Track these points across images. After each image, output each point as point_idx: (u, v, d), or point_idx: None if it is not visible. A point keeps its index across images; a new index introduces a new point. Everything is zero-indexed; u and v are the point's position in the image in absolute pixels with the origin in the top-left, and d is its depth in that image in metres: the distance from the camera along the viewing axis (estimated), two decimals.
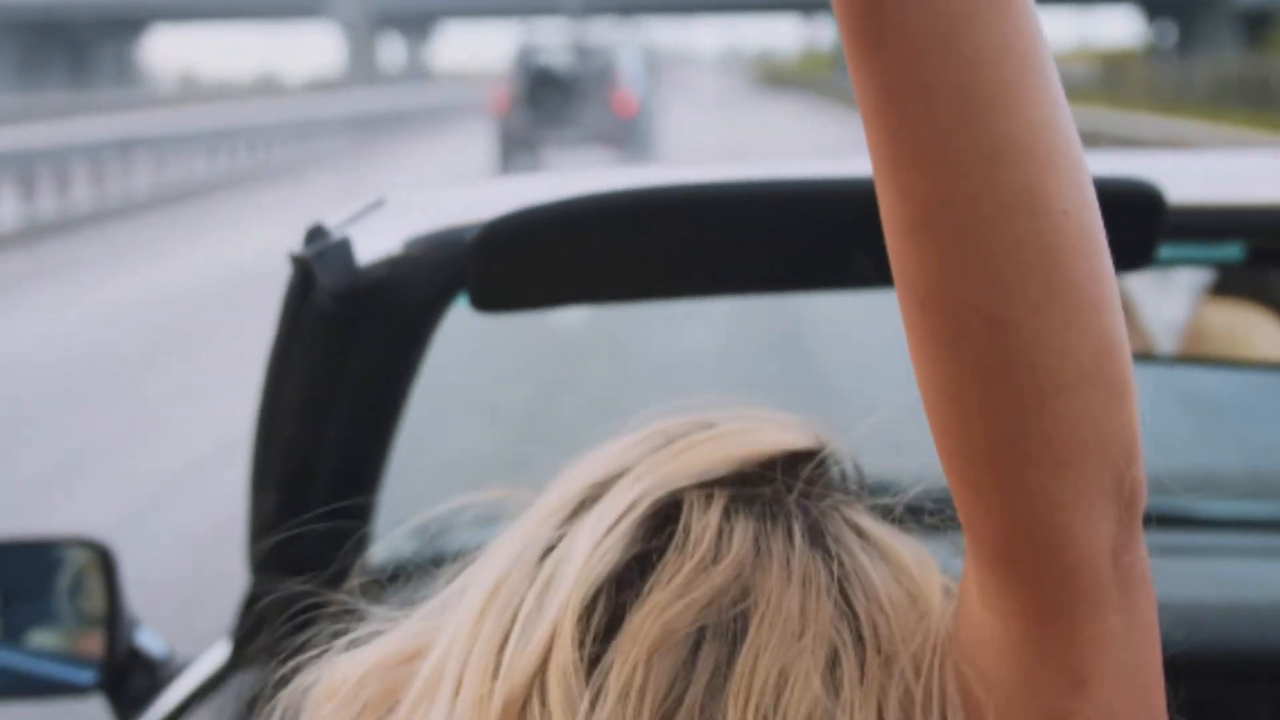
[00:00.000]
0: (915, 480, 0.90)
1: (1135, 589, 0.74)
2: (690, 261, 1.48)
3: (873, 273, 1.53)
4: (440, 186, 1.58)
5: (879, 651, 0.82)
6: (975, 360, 0.69)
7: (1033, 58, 0.68)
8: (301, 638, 1.06)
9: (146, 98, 48.47)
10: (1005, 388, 0.69)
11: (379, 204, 1.52)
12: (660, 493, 0.86)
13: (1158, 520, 1.43)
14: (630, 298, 1.62)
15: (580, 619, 0.83)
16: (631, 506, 0.86)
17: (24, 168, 18.12)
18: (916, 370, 0.73)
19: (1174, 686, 0.82)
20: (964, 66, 0.67)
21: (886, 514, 0.90)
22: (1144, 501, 0.74)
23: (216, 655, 1.65)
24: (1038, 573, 0.73)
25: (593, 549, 0.85)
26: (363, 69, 63.59)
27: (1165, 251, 1.48)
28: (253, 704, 1.50)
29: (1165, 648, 0.80)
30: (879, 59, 0.68)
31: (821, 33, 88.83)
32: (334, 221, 1.48)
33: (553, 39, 24.42)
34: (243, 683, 1.57)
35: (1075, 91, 41.41)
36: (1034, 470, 0.70)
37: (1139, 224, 1.38)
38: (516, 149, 21.87)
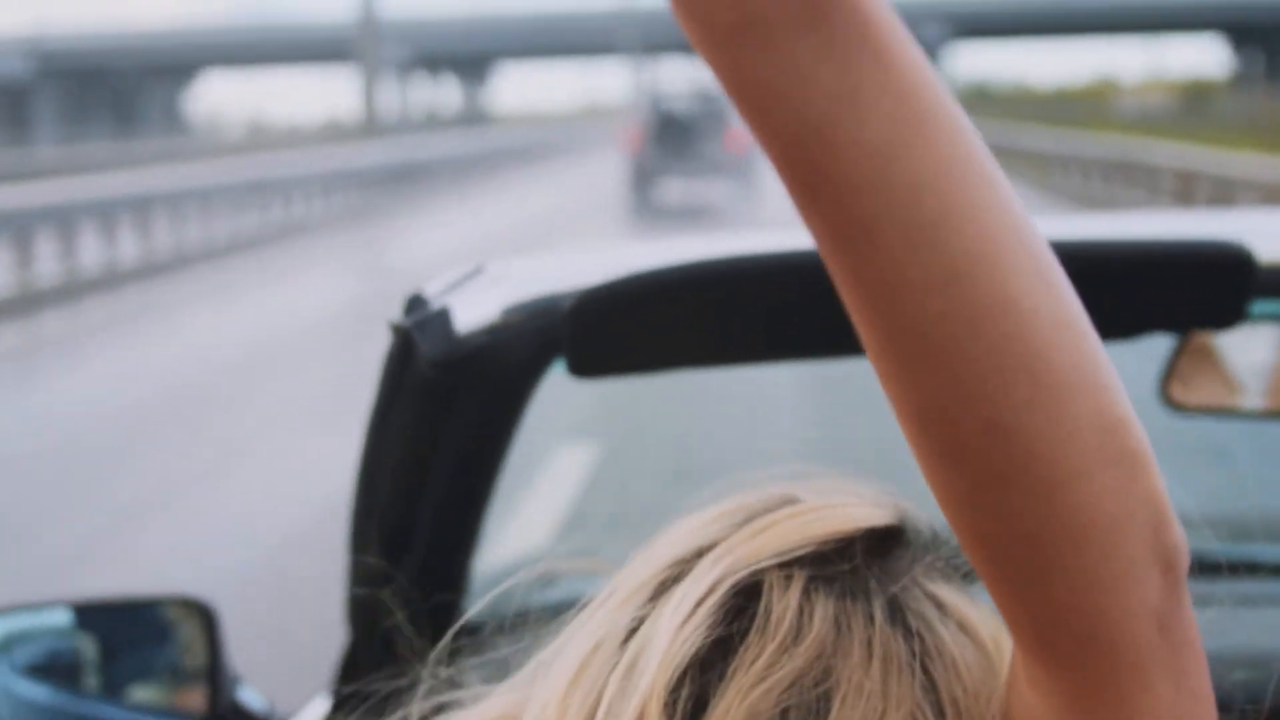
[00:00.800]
0: None
1: (1181, 653, 0.75)
2: (784, 326, 1.54)
3: None
4: (536, 254, 1.68)
5: (958, 717, 0.85)
6: (981, 467, 0.72)
7: (973, 171, 0.70)
8: (397, 692, 1.14)
9: (198, 147, 48.71)
10: (1016, 488, 0.72)
11: (477, 271, 1.60)
12: (741, 574, 0.88)
13: (1251, 569, 1.49)
14: (725, 363, 1.69)
15: (666, 705, 0.85)
16: (712, 588, 0.88)
17: (64, 222, 18.03)
18: (927, 481, 0.76)
19: None
20: (905, 197, 0.69)
21: (966, 572, 0.92)
22: (1185, 564, 0.75)
23: (316, 710, 1.71)
24: (1078, 654, 0.75)
25: (676, 632, 0.86)
26: (411, 112, 64.24)
27: (1256, 308, 1.54)
28: None
29: (1250, 698, 0.86)
30: (821, 204, 0.70)
31: None
32: (433, 290, 1.56)
33: (675, 85, 30.18)
34: None
35: (1152, 125, 40.88)
36: (1059, 557, 0.73)
37: (1229, 285, 1.45)
38: (646, 180, 26.27)
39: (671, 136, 26.73)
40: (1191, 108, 47.03)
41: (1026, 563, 0.74)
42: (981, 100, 65.63)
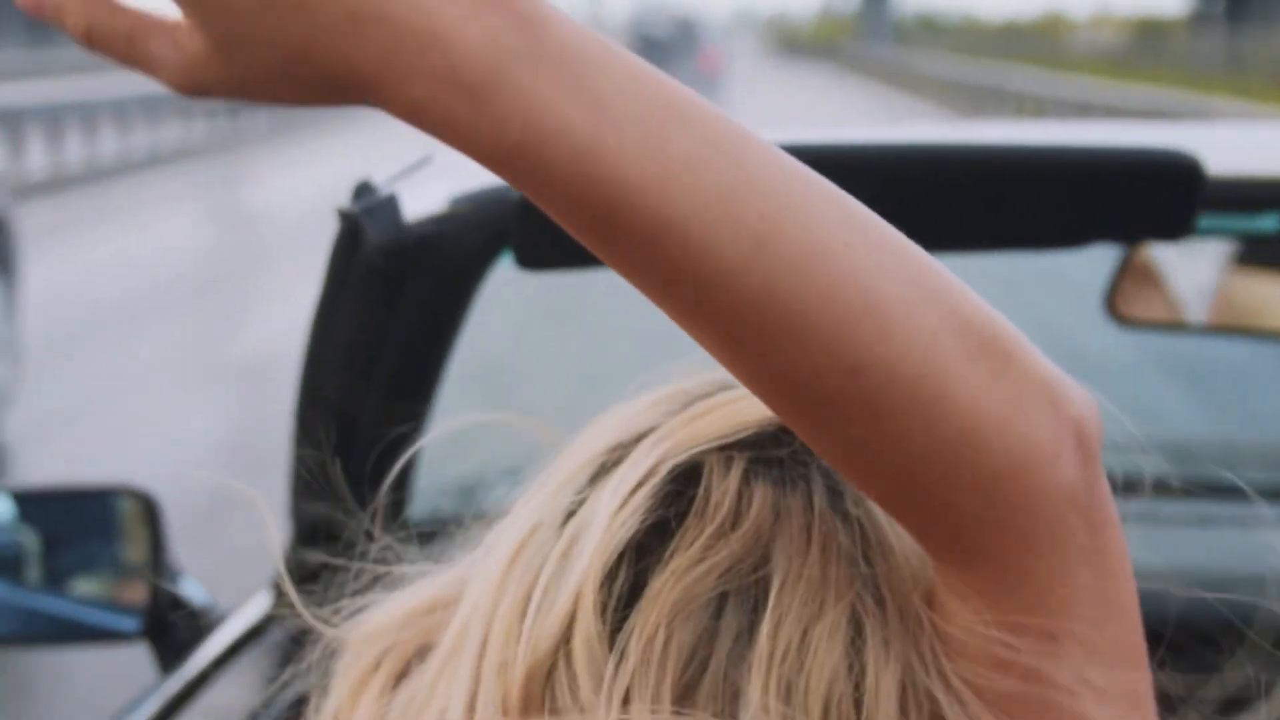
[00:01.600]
0: None
1: (1101, 533, 0.77)
2: None
3: (929, 239, 1.69)
4: None
5: (899, 609, 0.86)
6: (859, 412, 0.73)
7: (747, 139, 0.72)
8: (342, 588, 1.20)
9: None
10: (897, 417, 0.73)
11: (426, 161, 1.63)
12: (680, 457, 0.90)
13: (1186, 489, 1.57)
14: None
15: (602, 586, 0.87)
16: (651, 471, 0.89)
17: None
18: (810, 443, 0.78)
19: (1208, 652, 0.94)
20: (680, 177, 0.70)
21: None
22: (1096, 436, 0.76)
23: (258, 605, 1.76)
24: (995, 553, 0.77)
25: (613, 515, 0.88)
26: None
27: (1203, 222, 1.57)
28: (293, 652, 1.64)
29: (1196, 615, 0.91)
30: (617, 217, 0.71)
31: None
32: (381, 178, 1.58)
33: (654, 13, 38.09)
34: (284, 631, 1.68)
35: (1108, 65, 40.55)
36: (960, 465, 0.74)
37: (1177, 195, 1.48)
38: None
39: (652, 57, 29.45)
40: (1147, 46, 46.87)
41: (928, 481, 0.75)
42: (929, 32, 65.65)
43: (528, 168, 0.70)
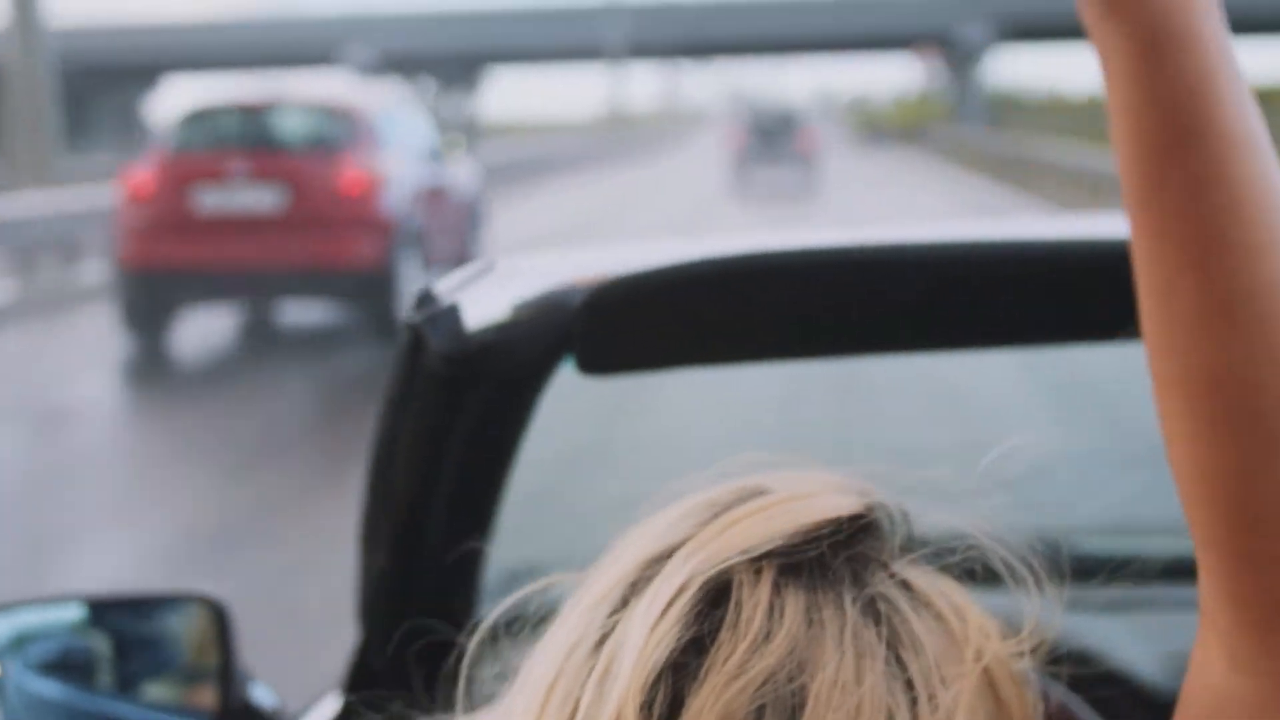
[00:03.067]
0: (960, 535, 1.02)
1: None
2: (795, 324, 1.68)
3: (975, 334, 1.79)
4: (547, 250, 1.85)
5: (933, 703, 0.93)
6: (1267, 436, 0.85)
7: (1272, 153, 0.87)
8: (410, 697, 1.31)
9: None
10: None
11: (488, 267, 1.73)
12: (710, 572, 0.94)
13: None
14: (735, 360, 1.83)
15: (642, 708, 0.91)
16: (683, 588, 0.94)
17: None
18: (1186, 452, 0.88)
19: None
20: (1233, 201, 0.85)
21: (935, 563, 1.01)
22: None
23: (327, 709, 1.86)
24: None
25: (648, 635, 0.93)
26: None
27: None
28: None
29: None
30: (1163, 195, 0.86)
31: (917, 73, 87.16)
32: (443, 286, 1.69)
33: (760, 100, 51.03)
34: None
35: None
36: None
37: None
38: (744, 166, 41.88)
39: (762, 137, 42.33)
40: (1266, 118, 46.46)
41: (1258, 528, 0.86)
42: (1017, 112, 64.40)
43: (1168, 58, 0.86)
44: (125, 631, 1.90)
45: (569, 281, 1.66)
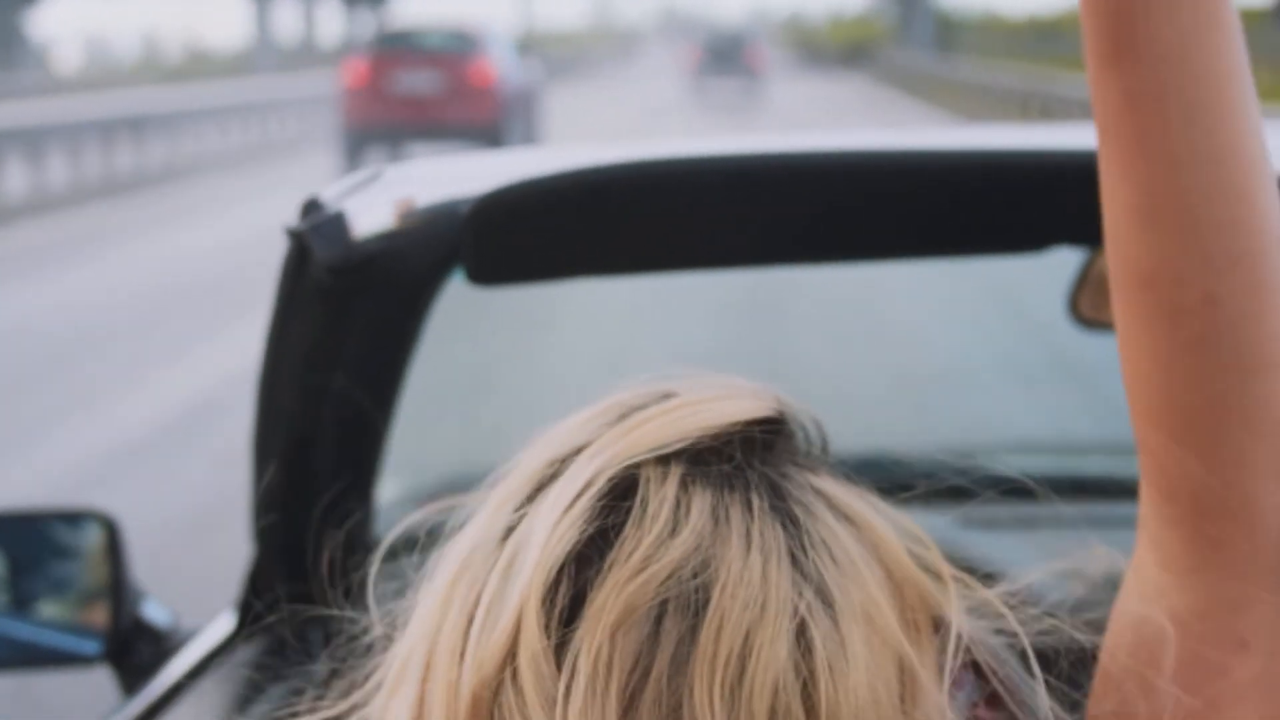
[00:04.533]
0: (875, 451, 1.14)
1: None
2: (683, 235, 1.70)
3: (873, 246, 1.84)
4: (435, 158, 1.88)
5: (854, 613, 0.94)
6: (1190, 332, 0.94)
7: (1244, 75, 0.96)
8: (304, 611, 1.35)
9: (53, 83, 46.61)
10: (1215, 359, 0.94)
11: (375, 176, 1.75)
12: (616, 468, 0.96)
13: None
14: (624, 271, 1.85)
15: (544, 601, 0.93)
16: (588, 484, 0.96)
17: None
18: (1127, 345, 0.98)
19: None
20: (1194, 79, 0.94)
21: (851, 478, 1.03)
22: None
23: (221, 626, 1.89)
24: (1226, 533, 0.95)
25: (552, 529, 0.94)
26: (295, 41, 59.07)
27: None
28: (255, 674, 1.80)
29: None
30: (1125, 68, 0.94)
31: None
32: (329, 195, 1.69)
33: (695, 15, 69.60)
34: (247, 653, 1.81)
35: None
36: (1233, 438, 0.94)
37: None
38: (702, 79, 47.67)
39: (715, 54, 48.56)
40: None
41: (1202, 435, 0.95)
42: (957, 31, 63.38)
43: None
44: (20, 548, 1.94)
45: (457, 189, 1.68)
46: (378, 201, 1.70)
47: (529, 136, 25.10)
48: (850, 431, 1.08)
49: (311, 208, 1.68)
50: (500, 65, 24.53)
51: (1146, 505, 1.00)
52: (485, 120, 23.69)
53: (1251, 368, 0.95)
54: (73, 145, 22.11)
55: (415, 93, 23.66)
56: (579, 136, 27.62)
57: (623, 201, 1.67)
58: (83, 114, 23.60)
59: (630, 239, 1.72)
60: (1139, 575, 1.01)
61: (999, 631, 1.04)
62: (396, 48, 24.57)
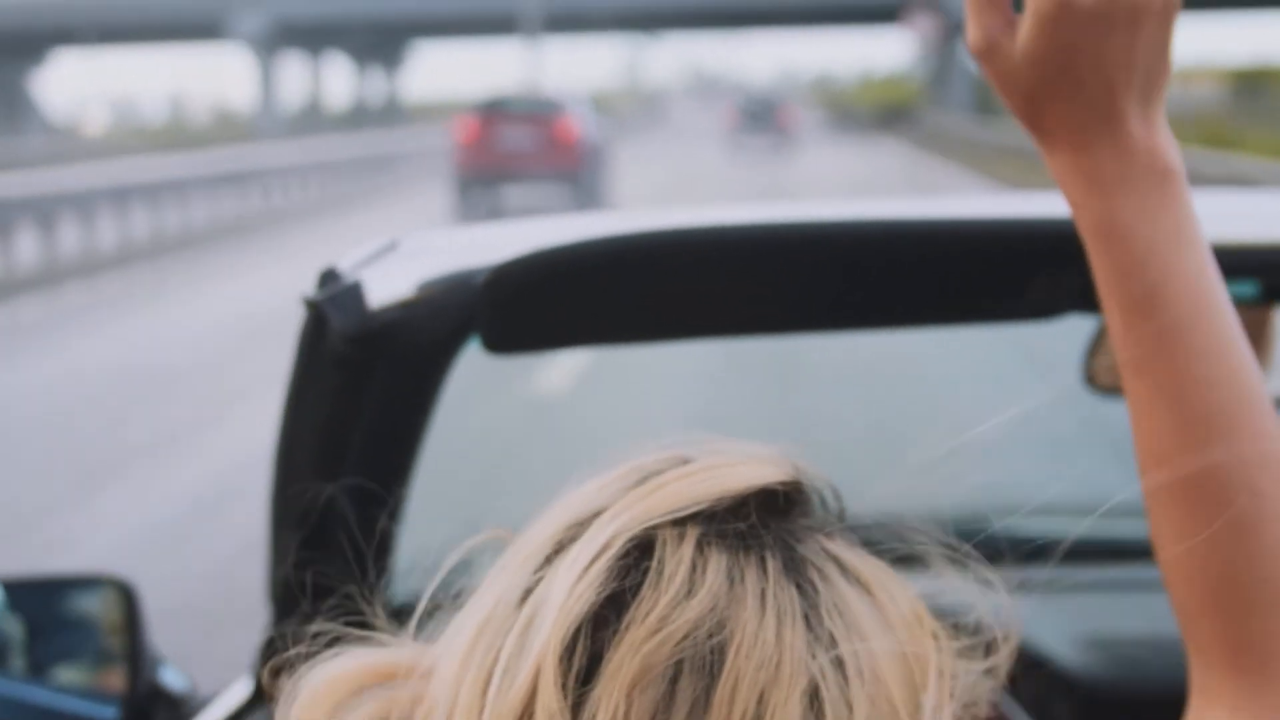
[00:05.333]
0: (889, 515, 1.08)
1: None
2: (702, 303, 1.74)
3: (885, 314, 1.81)
4: (452, 228, 1.91)
5: (862, 677, 0.97)
6: (1217, 511, 1.07)
7: (1228, 305, 1.12)
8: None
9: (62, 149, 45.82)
10: (1249, 534, 1.07)
11: (391, 246, 1.78)
12: (634, 531, 0.99)
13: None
14: (641, 339, 1.87)
15: (561, 660, 0.95)
16: (606, 546, 0.98)
17: None
18: (1164, 529, 1.10)
19: None
20: (1205, 314, 1.10)
21: (867, 544, 1.06)
22: None
23: (238, 692, 1.92)
24: (1267, 677, 1.07)
25: (570, 590, 0.97)
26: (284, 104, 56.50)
27: None
28: None
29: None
30: (1144, 315, 1.09)
31: (887, 49, 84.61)
32: (346, 264, 1.73)
33: (723, 76, 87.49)
34: (264, 718, 1.85)
35: (1198, 125, 37.95)
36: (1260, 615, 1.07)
37: None
38: (738, 136, 55.40)
39: (750, 115, 57.37)
40: (1254, 103, 43.17)
41: (1245, 596, 1.08)
42: (985, 93, 62.22)
43: (1114, 241, 1.10)
44: (38, 613, 1.97)
45: (473, 259, 1.71)
46: (395, 271, 1.73)
47: (601, 180, 30.62)
48: (870, 494, 1.12)
49: (329, 278, 1.71)
50: (580, 124, 30.39)
51: (1212, 654, 1.11)
52: (568, 168, 29.78)
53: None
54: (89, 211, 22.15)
55: (514, 147, 29.91)
56: (636, 186, 32.98)
57: (638, 271, 1.70)
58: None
59: (647, 308, 1.75)
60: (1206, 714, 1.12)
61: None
62: (498, 111, 30.86)
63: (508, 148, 29.97)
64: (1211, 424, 1.09)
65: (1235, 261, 1.76)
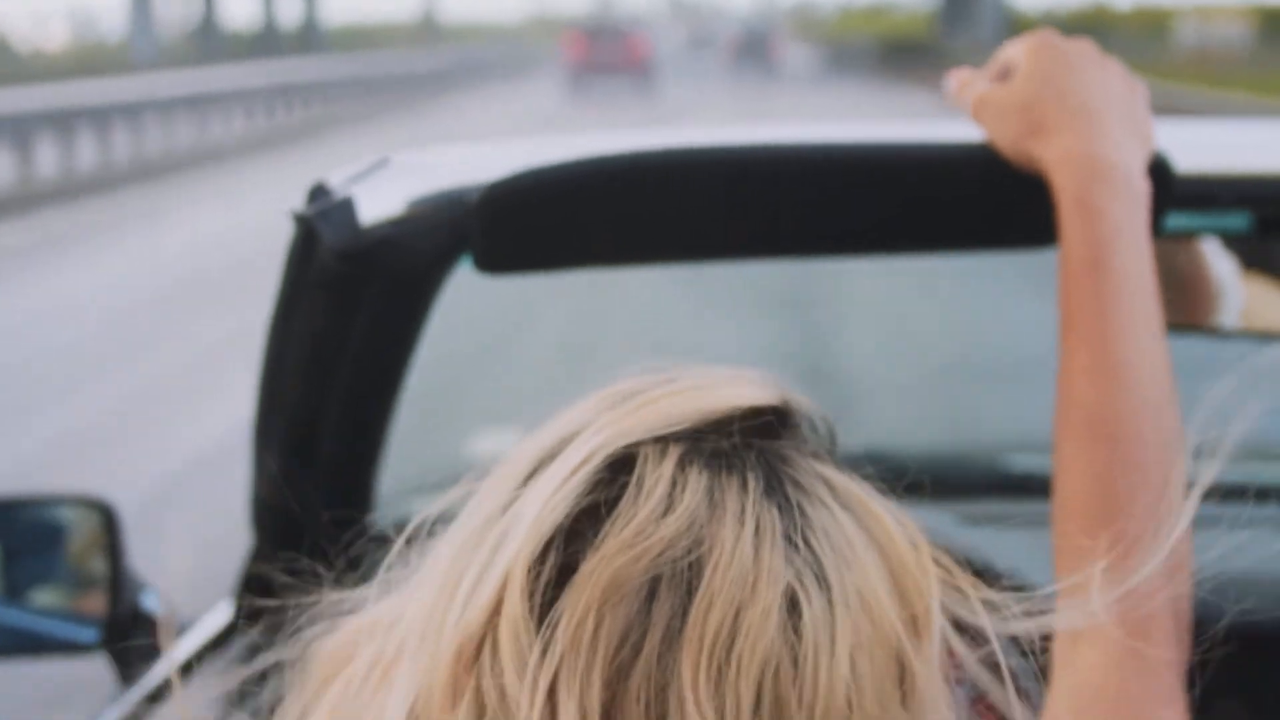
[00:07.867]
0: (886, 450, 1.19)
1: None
2: (694, 225, 1.76)
3: (878, 240, 1.84)
4: (445, 145, 1.88)
5: (848, 603, 0.98)
6: (1115, 447, 1.41)
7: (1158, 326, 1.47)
8: (305, 599, 1.41)
9: None
10: (1133, 454, 1.41)
11: (383, 163, 1.80)
12: (614, 446, 1.01)
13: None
14: (635, 261, 1.92)
15: (530, 569, 0.97)
16: (585, 460, 1.00)
17: None
18: (1065, 452, 1.43)
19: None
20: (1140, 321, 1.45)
21: (861, 474, 1.07)
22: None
23: (219, 616, 1.96)
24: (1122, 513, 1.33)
25: (544, 502, 0.99)
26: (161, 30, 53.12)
27: (1172, 220, 1.76)
28: (254, 663, 1.87)
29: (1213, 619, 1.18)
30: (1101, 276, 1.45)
31: None
32: (337, 180, 1.74)
33: (740, 16, 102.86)
34: (245, 643, 1.86)
35: (1217, 66, 37.27)
36: (1137, 478, 1.40)
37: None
38: (735, 63, 63.21)
39: (745, 46, 64.23)
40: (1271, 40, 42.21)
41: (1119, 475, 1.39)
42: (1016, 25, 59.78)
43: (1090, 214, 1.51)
44: (14, 534, 2.00)
45: (466, 178, 1.73)
46: (386, 188, 1.75)
47: (656, 77, 49.34)
48: (875, 426, 1.15)
49: (319, 193, 1.73)
50: (645, 40, 51.34)
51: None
52: (639, 69, 50.21)
53: (1148, 455, 1.41)
54: None
55: (605, 53, 50.32)
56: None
57: (633, 191, 1.72)
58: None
59: (640, 229, 1.77)
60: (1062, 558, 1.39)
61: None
62: (594, 30, 51.73)
63: (601, 54, 50.83)
64: (1119, 375, 1.42)
65: (1228, 192, 1.81)
